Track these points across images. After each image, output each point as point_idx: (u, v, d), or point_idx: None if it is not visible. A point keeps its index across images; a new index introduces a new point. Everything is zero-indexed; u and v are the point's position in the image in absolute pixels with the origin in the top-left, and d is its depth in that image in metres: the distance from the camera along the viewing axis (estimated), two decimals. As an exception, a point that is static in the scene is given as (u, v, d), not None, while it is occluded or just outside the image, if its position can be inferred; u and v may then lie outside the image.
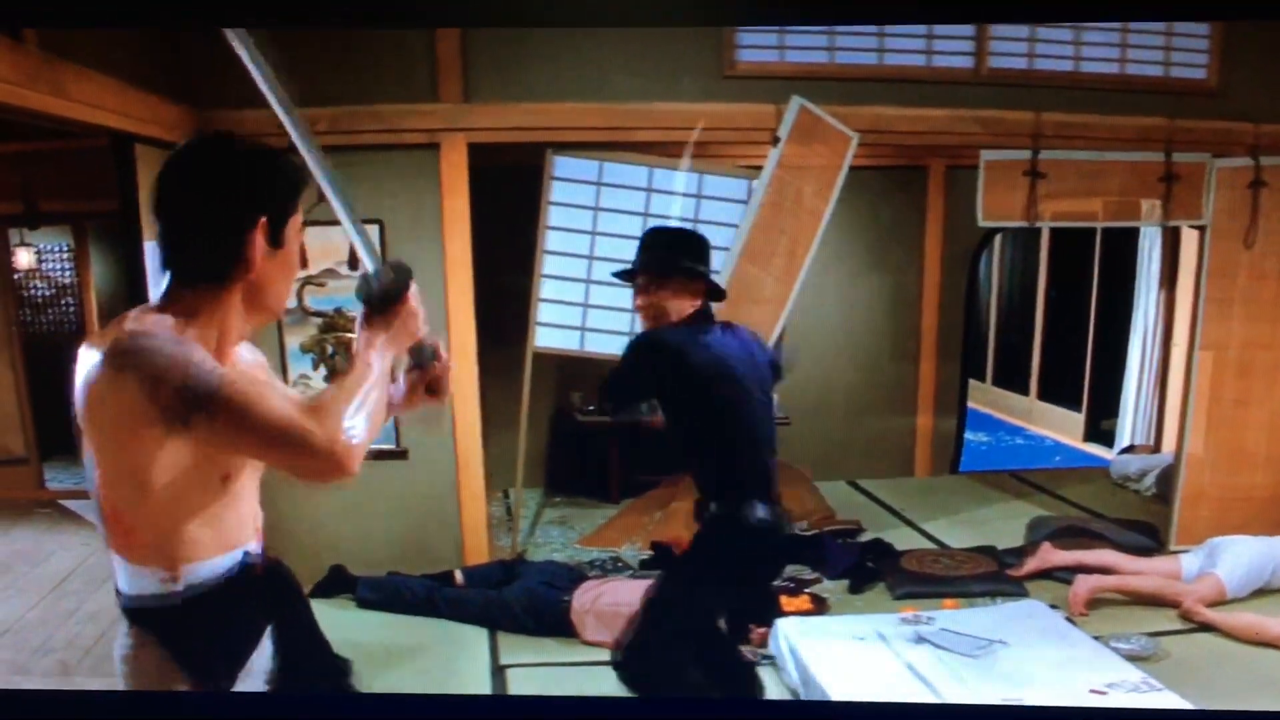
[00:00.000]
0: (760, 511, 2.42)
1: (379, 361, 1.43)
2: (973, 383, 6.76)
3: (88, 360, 1.29)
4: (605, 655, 3.33)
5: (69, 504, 5.24)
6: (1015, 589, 3.81)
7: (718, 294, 2.54)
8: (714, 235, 3.08)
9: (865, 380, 5.43)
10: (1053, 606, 3.60)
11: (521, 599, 3.59)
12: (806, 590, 3.81)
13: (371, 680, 3.15)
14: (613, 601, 3.49)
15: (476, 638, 3.54)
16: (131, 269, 3.32)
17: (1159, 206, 4.06)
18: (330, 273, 3.83)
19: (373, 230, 3.74)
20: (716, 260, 3.64)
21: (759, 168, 3.97)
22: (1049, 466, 6.17)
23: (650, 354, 2.48)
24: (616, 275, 2.64)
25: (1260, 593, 3.62)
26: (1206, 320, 4.06)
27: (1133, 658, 3.16)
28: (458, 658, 3.42)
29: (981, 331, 8.04)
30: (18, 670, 3.38)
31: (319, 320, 3.86)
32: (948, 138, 4.11)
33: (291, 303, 3.81)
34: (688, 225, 3.93)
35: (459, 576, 3.84)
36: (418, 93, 3.76)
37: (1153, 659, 3.20)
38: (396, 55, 3.74)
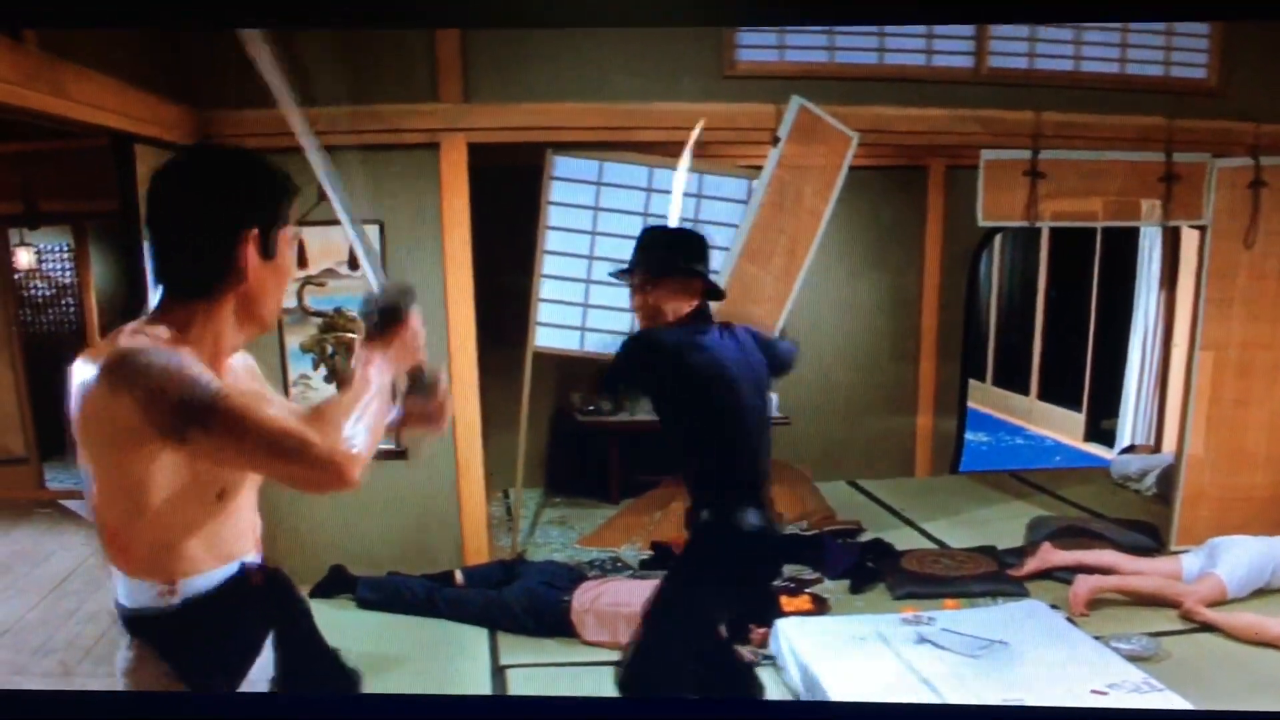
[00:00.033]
0: (752, 518, 2.37)
1: (378, 376, 1.42)
2: (973, 383, 6.75)
3: (83, 376, 1.29)
4: (605, 655, 3.34)
5: (69, 504, 5.24)
6: (1016, 589, 3.81)
7: (716, 294, 2.51)
8: (714, 235, 3.07)
9: (865, 380, 5.43)
10: (1053, 607, 3.60)
11: (521, 599, 3.59)
12: (807, 590, 3.81)
13: (371, 681, 3.16)
14: (613, 601, 3.49)
15: (476, 638, 3.53)
16: (131, 269, 3.32)
17: (1159, 206, 4.06)
18: (330, 273, 3.83)
19: (373, 230, 3.74)
20: (716, 260, 3.64)
21: (759, 168, 3.97)
22: (1049, 467, 6.17)
23: (645, 353, 2.46)
24: (613, 274, 2.62)
25: (1261, 593, 3.62)
26: (1207, 320, 4.05)
27: (1133, 658, 3.16)
28: (458, 658, 3.42)
29: (982, 331, 8.04)
30: (18, 671, 3.38)
31: (319, 320, 3.85)
32: (948, 137, 4.11)
33: (291, 303, 3.81)
34: (687, 224, 3.93)
35: (459, 576, 3.84)
36: (418, 93, 3.76)
37: (1153, 659, 3.20)
38: (396, 55, 3.74)
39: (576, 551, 4.43)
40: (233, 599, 1.42)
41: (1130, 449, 5.81)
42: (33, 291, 6.56)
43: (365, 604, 3.74)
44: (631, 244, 2.54)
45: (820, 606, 3.68)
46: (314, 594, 3.77)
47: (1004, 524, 4.61)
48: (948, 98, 3.99)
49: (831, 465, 5.32)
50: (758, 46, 3.95)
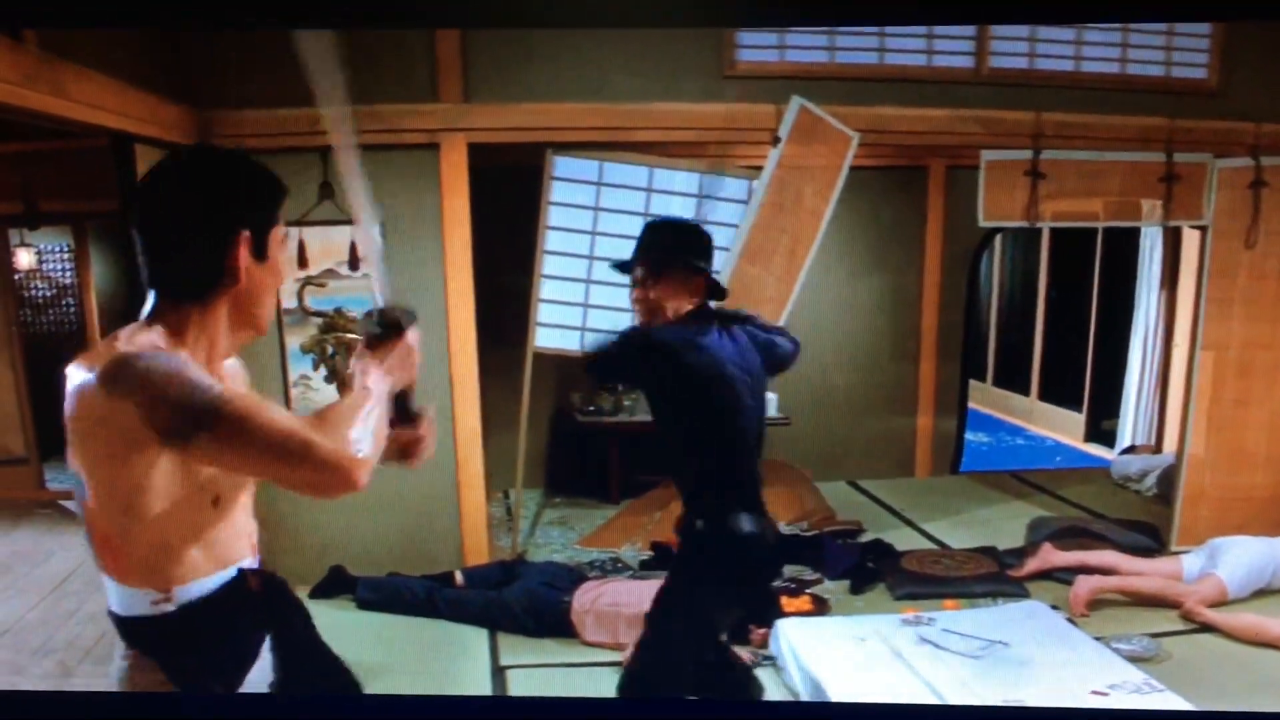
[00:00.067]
0: (747, 525, 2.33)
1: (376, 385, 1.42)
2: (973, 383, 6.75)
3: (80, 381, 1.27)
4: (605, 656, 3.34)
5: (69, 504, 5.23)
6: (1016, 590, 3.81)
7: (718, 292, 2.46)
8: (714, 235, 3.06)
9: (866, 380, 5.43)
10: (1054, 607, 3.60)
11: (522, 599, 3.59)
12: (807, 591, 3.81)
13: (372, 681, 3.15)
14: (613, 602, 3.49)
15: (476, 638, 3.53)
16: (131, 269, 3.31)
17: (1160, 207, 4.06)
18: (330, 273, 3.83)
19: (371, 231, 3.73)
20: (717, 261, 3.63)
21: (759, 168, 3.96)
22: (1050, 467, 6.17)
23: (641, 351, 2.39)
24: (614, 265, 2.55)
25: (1261, 593, 3.62)
26: (1207, 320, 4.05)
27: (1134, 658, 3.16)
28: (458, 658, 3.42)
29: (982, 331, 8.04)
30: (17, 671, 3.38)
31: (319, 320, 3.85)
32: (948, 138, 4.11)
33: (291, 303, 3.81)
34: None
35: (459, 577, 3.84)
36: (418, 93, 3.76)
37: (1154, 660, 3.20)
38: (396, 55, 3.74)
39: (576, 552, 4.43)
40: (230, 605, 1.40)
41: (1131, 449, 5.81)
42: (33, 292, 6.55)
43: (365, 605, 3.74)
44: (632, 245, 2.48)
45: (820, 607, 3.68)
46: (314, 595, 3.77)
47: (1004, 524, 4.61)
48: (948, 98, 3.99)
49: (831, 465, 5.32)
50: (758, 46, 3.94)
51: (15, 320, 5.60)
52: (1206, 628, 3.44)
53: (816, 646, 3.17)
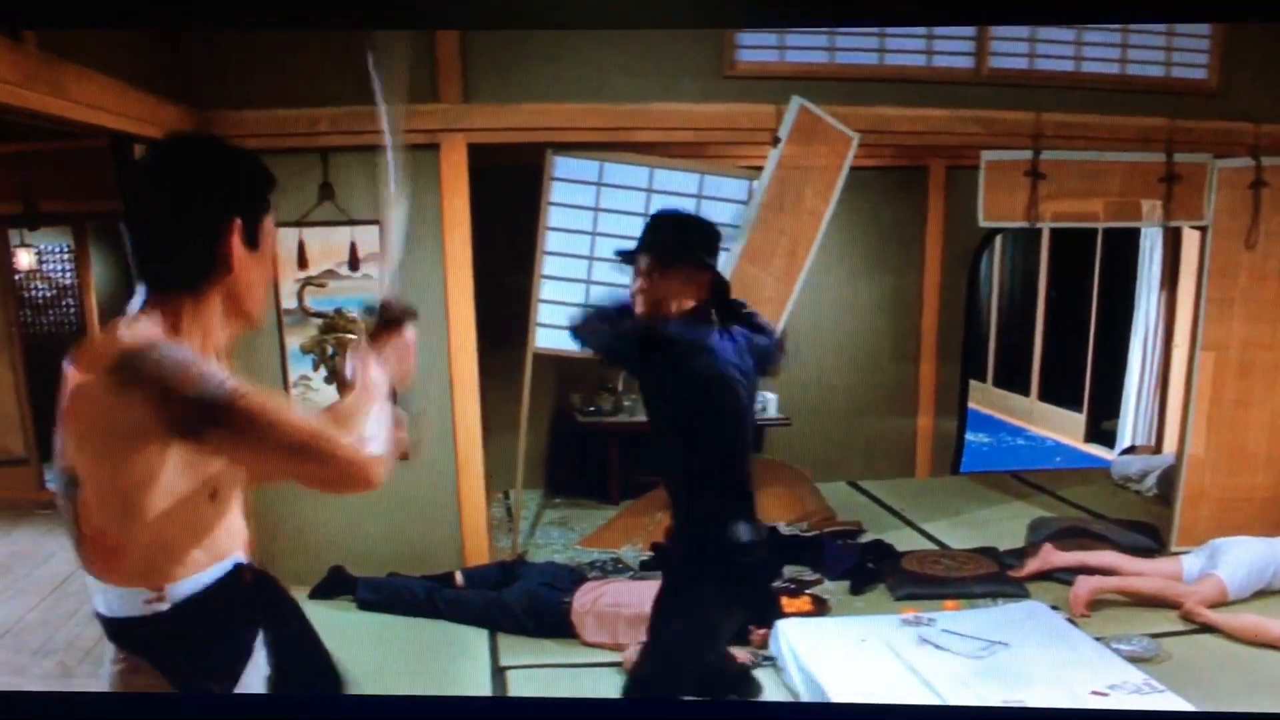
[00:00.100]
0: (744, 533, 2.28)
1: (378, 380, 1.43)
2: (973, 383, 6.75)
3: (83, 374, 1.26)
4: (605, 656, 3.34)
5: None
6: (1016, 590, 3.81)
7: (723, 290, 2.36)
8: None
9: (866, 381, 5.43)
10: (1054, 608, 3.59)
11: (522, 600, 3.59)
12: (807, 591, 3.81)
13: (372, 682, 3.15)
14: (613, 603, 3.48)
15: (477, 639, 3.53)
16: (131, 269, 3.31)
17: (1160, 207, 4.06)
18: (330, 273, 3.82)
19: (372, 231, 3.74)
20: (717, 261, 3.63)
21: (759, 168, 3.96)
22: (1050, 467, 6.17)
23: (651, 346, 2.30)
24: (619, 254, 2.44)
25: (1261, 594, 3.62)
26: (1208, 321, 4.05)
27: (1134, 659, 3.16)
28: (458, 659, 3.41)
29: (982, 332, 8.04)
30: (18, 671, 3.38)
31: (319, 321, 3.85)
32: (948, 138, 4.11)
33: (291, 303, 3.81)
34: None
35: (459, 578, 3.83)
36: (418, 93, 3.76)
37: (1154, 660, 3.20)
38: (396, 56, 3.74)
39: (577, 553, 4.43)
40: (223, 600, 1.39)
41: (1131, 450, 5.81)
42: (33, 293, 6.56)
43: (365, 605, 3.74)
44: (632, 245, 2.40)
45: (820, 608, 3.68)
46: (314, 595, 3.77)
47: (1005, 525, 4.61)
48: (948, 98, 3.99)
49: (832, 466, 5.32)
50: (758, 47, 3.94)
51: (15, 321, 5.60)
52: (1207, 628, 3.44)
53: (816, 647, 3.17)
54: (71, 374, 1.28)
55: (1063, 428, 7.04)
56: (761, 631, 3.38)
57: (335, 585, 3.81)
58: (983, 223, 4.12)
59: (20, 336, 5.59)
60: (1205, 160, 4.00)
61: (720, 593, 2.33)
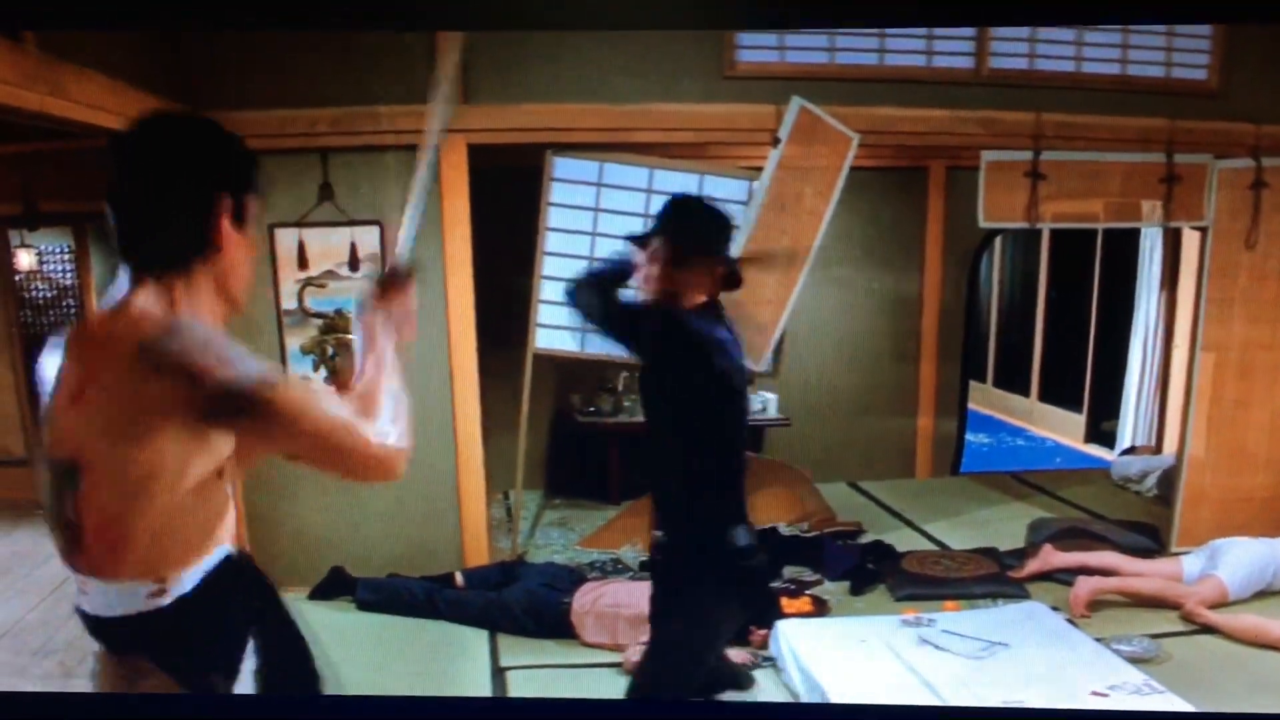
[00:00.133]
0: (743, 537, 2.23)
1: (388, 349, 1.44)
2: (973, 384, 6.75)
3: (102, 358, 1.23)
4: (605, 657, 3.34)
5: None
6: (1016, 591, 3.81)
7: (735, 284, 2.26)
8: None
9: (865, 381, 5.42)
10: (1054, 608, 3.59)
11: (522, 601, 3.59)
12: (807, 592, 3.81)
13: (371, 682, 3.15)
14: (613, 603, 3.48)
15: (476, 639, 3.53)
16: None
17: (1160, 207, 4.06)
18: (330, 274, 3.82)
19: (372, 231, 3.74)
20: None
21: (759, 168, 3.96)
22: (1050, 468, 6.17)
23: (657, 338, 2.20)
24: (630, 239, 2.31)
25: (1262, 594, 3.62)
26: (1208, 321, 4.05)
27: (1134, 660, 3.16)
28: (458, 659, 3.41)
29: (982, 332, 8.04)
30: (18, 672, 3.37)
31: (319, 322, 3.85)
32: (948, 138, 4.11)
33: (291, 304, 3.81)
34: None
35: (459, 578, 3.83)
36: (418, 93, 3.75)
37: (1154, 661, 3.20)
38: (397, 55, 3.74)
39: (577, 553, 4.43)
40: (221, 589, 1.35)
41: (1131, 450, 5.81)
42: (33, 293, 6.54)
43: (365, 605, 3.73)
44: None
45: (820, 608, 3.68)
46: (314, 595, 3.77)
47: (1005, 525, 4.61)
48: (948, 98, 3.99)
49: (832, 466, 5.32)
50: (758, 47, 3.94)
51: (15, 321, 5.61)
52: (1207, 629, 3.44)
53: (816, 648, 3.17)
54: (77, 360, 1.25)
55: (1063, 428, 7.04)
56: (761, 632, 3.38)
57: (335, 586, 3.81)
58: (983, 223, 4.12)
59: (20, 337, 5.59)
60: (1205, 161, 4.00)
61: (720, 595, 2.29)
